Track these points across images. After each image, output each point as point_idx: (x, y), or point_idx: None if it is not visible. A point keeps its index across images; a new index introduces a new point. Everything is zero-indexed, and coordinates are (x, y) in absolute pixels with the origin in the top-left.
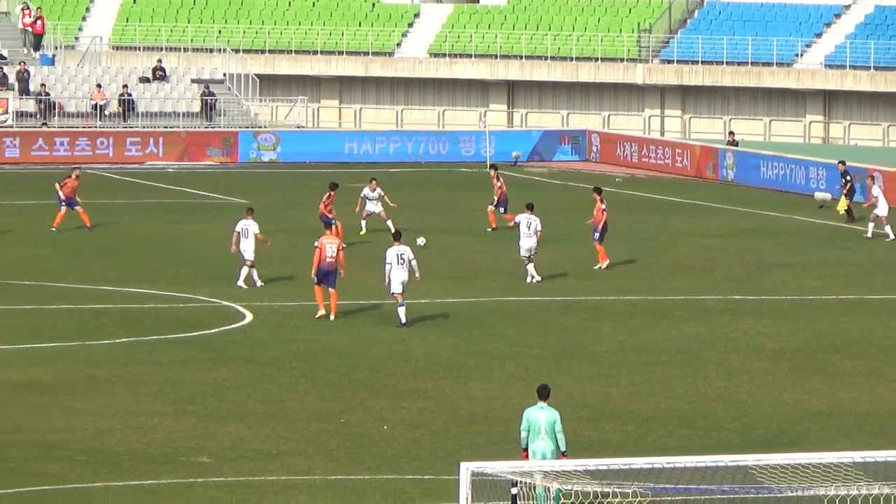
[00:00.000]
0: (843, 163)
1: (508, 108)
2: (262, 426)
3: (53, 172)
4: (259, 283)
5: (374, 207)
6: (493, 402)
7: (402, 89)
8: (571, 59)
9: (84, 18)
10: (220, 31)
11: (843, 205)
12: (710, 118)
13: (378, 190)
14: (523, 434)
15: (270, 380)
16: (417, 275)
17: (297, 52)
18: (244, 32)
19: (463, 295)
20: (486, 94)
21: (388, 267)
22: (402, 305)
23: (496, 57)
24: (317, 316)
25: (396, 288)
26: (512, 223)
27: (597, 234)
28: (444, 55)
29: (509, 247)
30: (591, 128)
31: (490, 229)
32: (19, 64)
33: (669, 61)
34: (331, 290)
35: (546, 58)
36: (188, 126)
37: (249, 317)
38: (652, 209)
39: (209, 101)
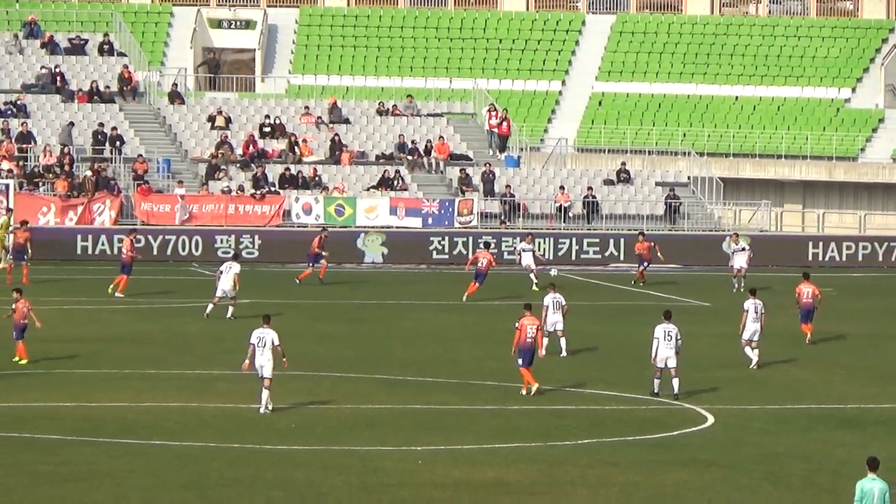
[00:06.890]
0: None
1: None
2: None
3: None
4: None
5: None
6: None
7: (866, 194)
8: None
9: (550, 121)
10: (684, 135)
11: None
12: None
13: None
14: None
15: (731, 482)
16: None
17: (761, 156)
18: (709, 136)
19: None
20: None
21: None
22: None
23: None
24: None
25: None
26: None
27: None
28: None
29: None
30: None
31: None
32: (485, 165)
33: None
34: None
35: None
36: (651, 229)
37: (711, 419)
38: None
39: (673, 204)
